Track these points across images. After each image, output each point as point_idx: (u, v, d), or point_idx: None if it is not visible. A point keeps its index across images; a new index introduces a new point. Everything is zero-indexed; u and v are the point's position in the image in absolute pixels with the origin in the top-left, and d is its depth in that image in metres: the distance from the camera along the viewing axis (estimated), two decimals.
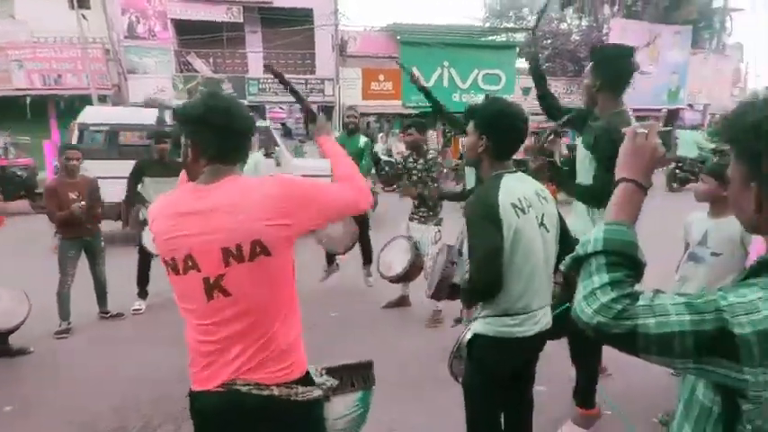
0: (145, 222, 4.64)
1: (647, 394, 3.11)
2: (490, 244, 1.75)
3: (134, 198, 4.93)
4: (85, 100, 14.28)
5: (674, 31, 19.15)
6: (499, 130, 1.86)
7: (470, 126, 1.93)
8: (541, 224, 1.85)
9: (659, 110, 18.70)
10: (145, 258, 4.84)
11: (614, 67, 2.52)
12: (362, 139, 5.08)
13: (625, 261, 0.90)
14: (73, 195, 4.33)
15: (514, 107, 1.91)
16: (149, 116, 7.92)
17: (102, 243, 4.70)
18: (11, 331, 3.93)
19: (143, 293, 4.94)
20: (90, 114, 8.31)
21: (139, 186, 4.90)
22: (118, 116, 8.78)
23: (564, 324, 1.82)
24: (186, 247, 1.32)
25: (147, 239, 4.51)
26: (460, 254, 2.12)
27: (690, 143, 12.25)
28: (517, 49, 19.02)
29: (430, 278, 3.47)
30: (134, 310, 4.85)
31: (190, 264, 1.33)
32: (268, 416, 1.38)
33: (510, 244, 1.76)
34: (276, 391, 1.36)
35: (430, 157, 4.51)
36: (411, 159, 4.59)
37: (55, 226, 4.49)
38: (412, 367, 3.67)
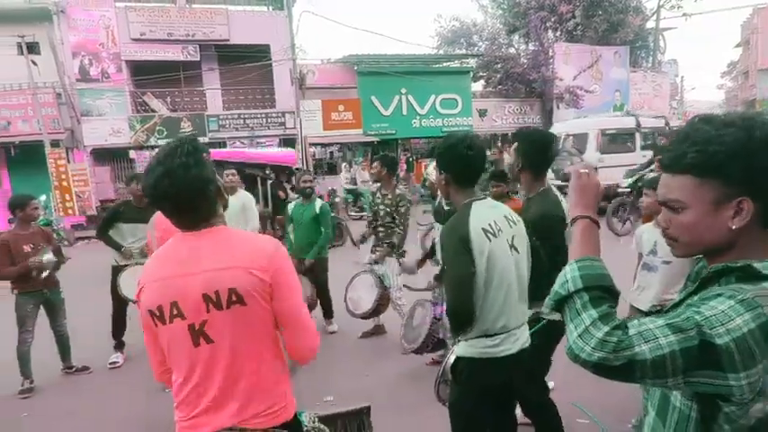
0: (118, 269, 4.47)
1: (618, 400, 3.21)
2: (462, 271, 1.83)
3: None
4: (37, 146, 13.81)
5: (613, 52, 20.40)
6: (453, 163, 1.98)
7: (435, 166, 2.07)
8: (512, 246, 1.95)
9: None
10: (121, 306, 4.57)
11: (537, 152, 2.52)
12: (318, 203, 5.05)
13: (605, 293, 0.95)
14: (27, 248, 4.11)
15: (465, 138, 1.99)
16: (629, 121, 11.64)
17: (63, 296, 4.48)
18: None
19: (120, 345, 4.68)
20: (559, 127, 12.36)
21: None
22: (596, 124, 12.08)
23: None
24: (172, 293, 1.34)
25: (125, 285, 4.27)
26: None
27: None
28: (471, 74, 19.75)
29: (410, 333, 3.51)
30: (111, 363, 4.59)
31: (175, 312, 1.34)
32: None
33: (484, 268, 1.84)
34: None
35: (398, 192, 4.63)
36: (379, 195, 4.71)
37: (10, 282, 4.16)
38: (397, 392, 3.69)
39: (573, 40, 20.63)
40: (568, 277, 0.97)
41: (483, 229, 1.87)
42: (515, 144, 2.57)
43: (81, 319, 4.87)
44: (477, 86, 21.28)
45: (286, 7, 16.62)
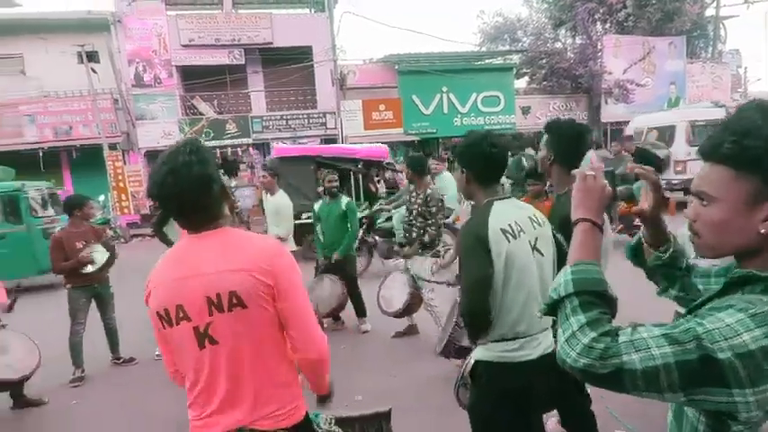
0: None
1: (656, 407, 3.04)
2: (478, 272, 1.77)
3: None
4: (96, 149, 14.68)
5: (667, 43, 19.35)
6: (473, 160, 1.92)
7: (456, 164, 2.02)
8: (534, 248, 1.87)
9: None
10: None
11: (569, 144, 2.34)
12: (344, 201, 5.08)
13: (597, 299, 0.90)
14: (79, 244, 4.38)
15: (487, 136, 1.93)
16: (719, 112, 10.63)
17: (112, 290, 4.74)
18: (21, 382, 3.90)
19: None
20: (641, 120, 12.78)
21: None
22: (684, 116, 11.83)
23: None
24: (177, 296, 1.36)
25: None
26: None
27: None
28: (514, 70, 19.28)
29: (441, 335, 3.49)
30: (157, 355, 4.72)
31: (181, 314, 1.36)
32: None
33: (503, 268, 1.78)
34: None
35: (429, 192, 4.58)
36: (413, 194, 4.69)
37: (63, 277, 4.49)
38: (426, 393, 3.66)
39: (624, 31, 19.71)
40: (561, 281, 0.94)
41: (502, 229, 1.80)
42: (546, 136, 2.40)
43: (131, 312, 5.09)
44: (521, 83, 20.75)
45: (327, 9, 16.86)
